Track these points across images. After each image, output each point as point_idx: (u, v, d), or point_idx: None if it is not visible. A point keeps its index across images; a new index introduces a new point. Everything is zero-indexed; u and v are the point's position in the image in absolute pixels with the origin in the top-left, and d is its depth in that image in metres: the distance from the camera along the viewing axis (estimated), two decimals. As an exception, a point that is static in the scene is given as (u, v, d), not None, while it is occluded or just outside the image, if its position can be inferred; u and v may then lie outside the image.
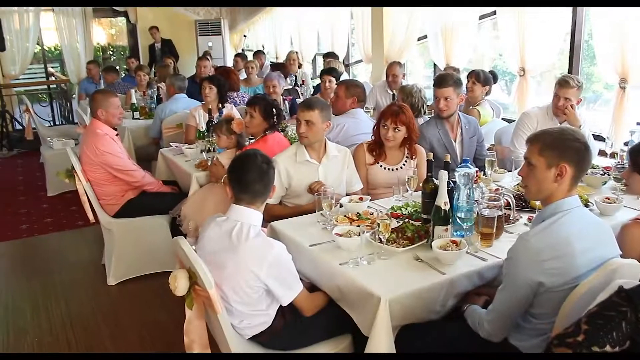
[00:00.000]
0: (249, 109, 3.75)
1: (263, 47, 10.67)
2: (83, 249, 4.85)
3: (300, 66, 8.25)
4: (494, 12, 5.54)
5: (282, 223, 2.84)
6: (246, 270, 2.20)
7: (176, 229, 3.91)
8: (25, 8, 9.78)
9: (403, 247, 2.43)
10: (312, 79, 8.42)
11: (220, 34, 11.13)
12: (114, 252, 4.00)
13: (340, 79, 5.62)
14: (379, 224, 2.36)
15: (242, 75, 7.27)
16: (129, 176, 3.95)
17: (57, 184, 6.13)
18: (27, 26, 9.90)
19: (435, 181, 2.58)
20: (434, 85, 3.88)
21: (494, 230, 2.43)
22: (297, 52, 8.48)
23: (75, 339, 3.41)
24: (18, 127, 9.08)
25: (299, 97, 6.53)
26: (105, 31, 15.87)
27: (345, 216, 2.81)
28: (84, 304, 3.82)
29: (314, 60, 9.74)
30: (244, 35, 11.31)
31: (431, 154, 2.91)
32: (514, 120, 4.33)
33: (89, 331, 3.49)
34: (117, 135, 4.03)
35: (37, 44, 10.53)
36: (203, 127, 4.44)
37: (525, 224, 2.71)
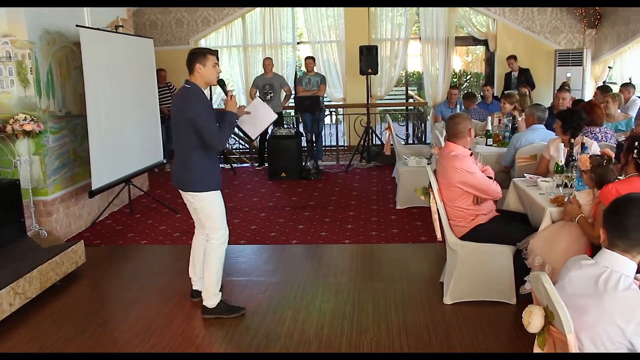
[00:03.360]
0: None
1: (630, 79, 9.69)
2: (423, 264, 5.07)
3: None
4: None
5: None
6: (610, 322, 1.99)
7: (519, 262, 3.80)
8: (397, 36, 10.82)
9: None
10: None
11: (581, 65, 10.48)
12: (455, 272, 4.05)
13: None
14: None
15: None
16: (488, 190, 3.97)
17: (406, 198, 6.58)
18: (397, 53, 10.93)
19: None
20: None
21: None
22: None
23: (408, 347, 3.57)
24: (377, 142, 10.02)
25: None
26: (462, 58, 16.58)
27: None
28: (419, 316, 3.96)
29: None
30: (609, 67, 10.44)
31: None
32: None
33: (421, 343, 3.61)
34: (471, 154, 4.09)
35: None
36: (562, 160, 4.21)
37: None
